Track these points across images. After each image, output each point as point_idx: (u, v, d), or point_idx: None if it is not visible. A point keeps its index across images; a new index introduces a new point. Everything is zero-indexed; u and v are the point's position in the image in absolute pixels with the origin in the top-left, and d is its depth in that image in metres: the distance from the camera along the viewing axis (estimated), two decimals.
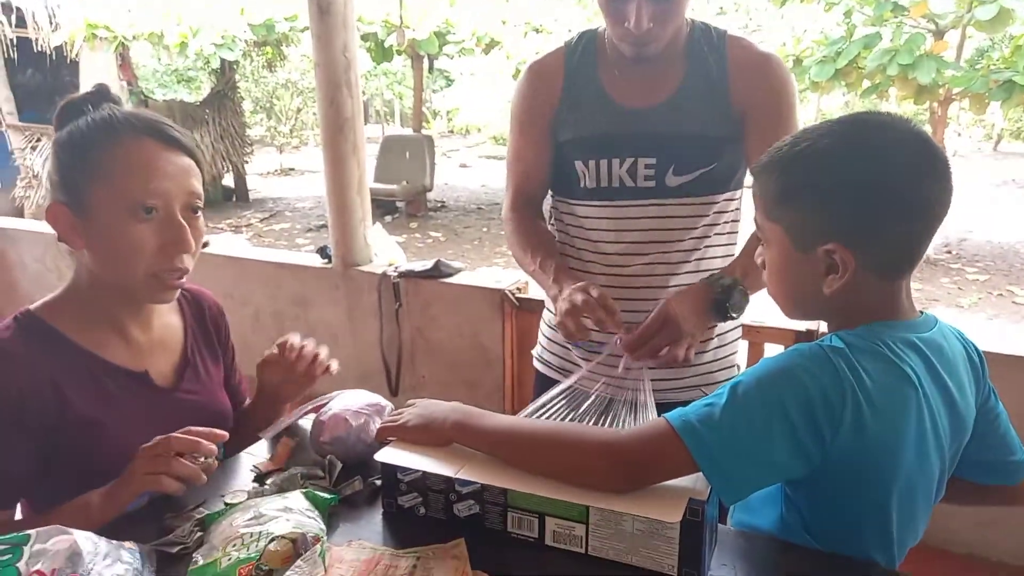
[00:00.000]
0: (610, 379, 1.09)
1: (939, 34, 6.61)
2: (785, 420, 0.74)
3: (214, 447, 0.91)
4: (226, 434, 0.94)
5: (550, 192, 1.41)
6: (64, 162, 0.95)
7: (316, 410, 1.09)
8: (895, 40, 6.36)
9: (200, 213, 1.00)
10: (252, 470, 1.03)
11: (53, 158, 0.96)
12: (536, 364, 1.52)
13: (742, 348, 2.10)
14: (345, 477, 0.98)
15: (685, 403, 0.82)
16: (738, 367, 1.44)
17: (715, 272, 1.19)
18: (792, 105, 1.26)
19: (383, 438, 0.94)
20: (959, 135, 17.40)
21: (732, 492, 0.77)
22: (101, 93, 0.99)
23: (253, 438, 1.12)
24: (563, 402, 1.06)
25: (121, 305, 1.03)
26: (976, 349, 0.92)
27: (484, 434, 0.89)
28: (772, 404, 0.75)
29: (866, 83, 6.62)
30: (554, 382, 1.13)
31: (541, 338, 1.52)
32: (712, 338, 1.34)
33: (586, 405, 1.05)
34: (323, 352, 1.15)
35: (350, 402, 1.07)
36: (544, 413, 1.03)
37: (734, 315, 1.14)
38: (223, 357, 1.22)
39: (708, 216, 1.29)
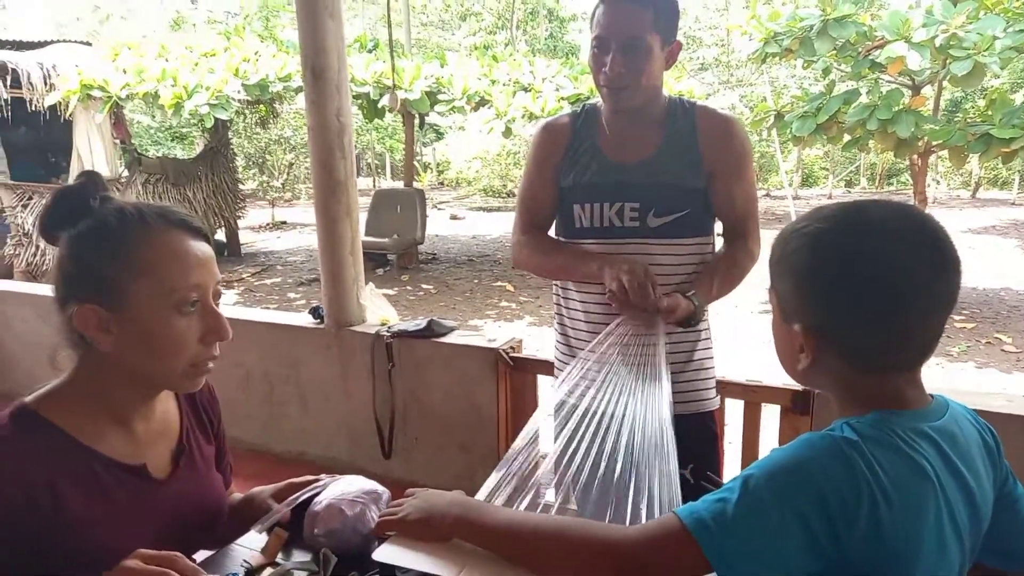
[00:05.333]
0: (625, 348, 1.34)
1: (916, 89, 6.81)
2: (799, 518, 0.72)
3: None
4: None
5: (555, 232, 1.69)
6: (93, 259, 0.92)
7: (310, 499, 1.06)
8: (873, 96, 6.54)
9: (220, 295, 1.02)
10: (243, 564, 0.99)
11: (72, 255, 0.93)
12: (557, 368, 1.77)
13: (738, 407, 2.16)
14: (341, 571, 0.95)
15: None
16: (716, 380, 1.71)
17: (691, 287, 1.48)
18: (749, 161, 1.58)
19: (382, 532, 0.92)
20: (938, 183, 17.78)
21: None
22: (95, 183, 0.97)
23: (242, 530, 1.09)
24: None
25: (131, 397, 1.01)
26: (990, 430, 0.90)
27: (486, 530, 0.86)
28: (785, 501, 0.73)
29: (847, 137, 6.77)
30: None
31: (556, 362, 1.78)
32: (691, 360, 1.63)
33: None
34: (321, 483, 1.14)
35: (345, 490, 1.04)
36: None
37: (692, 325, 1.49)
38: (215, 440, 1.20)
39: (684, 255, 1.56)
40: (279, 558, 1.01)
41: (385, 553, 0.86)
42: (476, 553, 0.86)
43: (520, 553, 0.84)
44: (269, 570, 0.97)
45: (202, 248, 0.98)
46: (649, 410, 1.23)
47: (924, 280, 0.76)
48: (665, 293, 1.44)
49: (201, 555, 1.08)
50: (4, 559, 0.88)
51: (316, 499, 1.05)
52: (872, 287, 0.76)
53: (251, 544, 1.05)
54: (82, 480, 0.94)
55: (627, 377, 1.29)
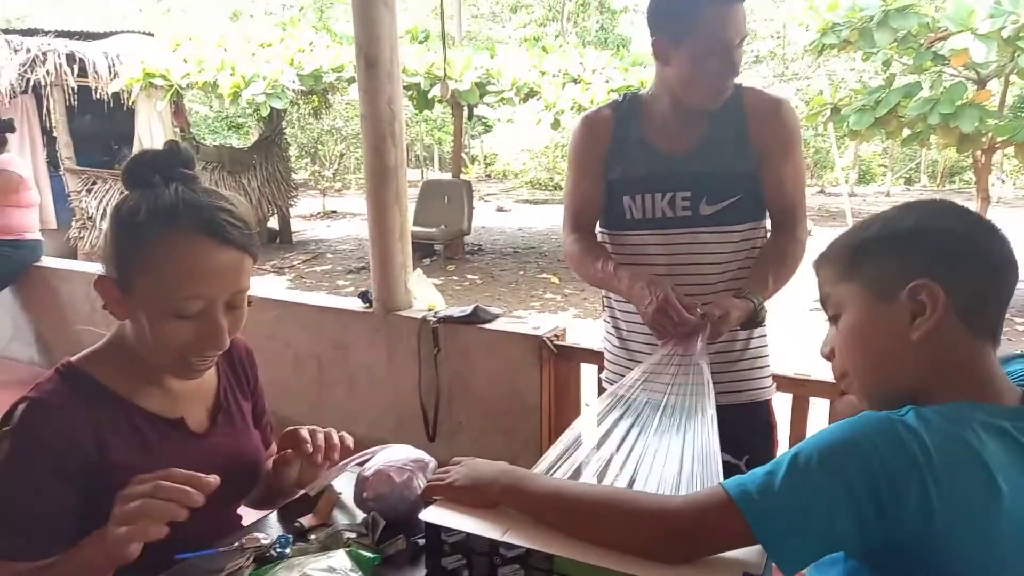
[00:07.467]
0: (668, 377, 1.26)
1: (981, 83, 6.54)
2: (848, 491, 0.71)
3: (199, 498, 0.84)
4: (215, 479, 0.86)
5: (599, 226, 1.66)
6: (118, 243, 0.96)
7: (359, 465, 1.09)
8: (935, 89, 6.31)
9: (244, 301, 1.00)
10: (296, 525, 1.04)
11: (110, 229, 0.97)
12: (605, 385, 1.71)
13: (786, 400, 2.13)
14: (388, 535, 0.98)
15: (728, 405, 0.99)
16: (771, 370, 1.67)
17: (747, 287, 1.42)
18: (799, 142, 1.56)
19: (430, 496, 0.94)
20: (1003, 182, 17.04)
21: (791, 564, 0.74)
22: (172, 152, 0.98)
23: (285, 497, 1.13)
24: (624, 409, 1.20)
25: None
26: None
27: (533, 498, 0.88)
28: (833, 472, 0.72)
29: (906, 131, 6.55)
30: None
31: (606, 354, 1.73)
32: (747, 349, 1.59)
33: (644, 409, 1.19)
34: (334, 435, 1.10)
35: (394, 457, 1.08)
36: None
37: (757, 325, 1.46)
38: (252, 398, 1.23)
39: (736, 242, 1.53)
40: (330, 520, 1.05)
41: (432, 514, 0.89)
42: (520, 518, 0.88)
43: (567, 521, 0.85)
44: (320, 531, 1.01)
45: (223, 257, 0.94)
46: (688, 445, 1.10)
47: (1011, 262, 0.80)
48: (717, 292, 1.43)
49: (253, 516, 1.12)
50: (54, 507, 0.93)
51: (366, 465, 1.08)
52: (975, 230, 0.80)
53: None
54: (125, 432, 0.99)
55: (669, 408, 1.18)
